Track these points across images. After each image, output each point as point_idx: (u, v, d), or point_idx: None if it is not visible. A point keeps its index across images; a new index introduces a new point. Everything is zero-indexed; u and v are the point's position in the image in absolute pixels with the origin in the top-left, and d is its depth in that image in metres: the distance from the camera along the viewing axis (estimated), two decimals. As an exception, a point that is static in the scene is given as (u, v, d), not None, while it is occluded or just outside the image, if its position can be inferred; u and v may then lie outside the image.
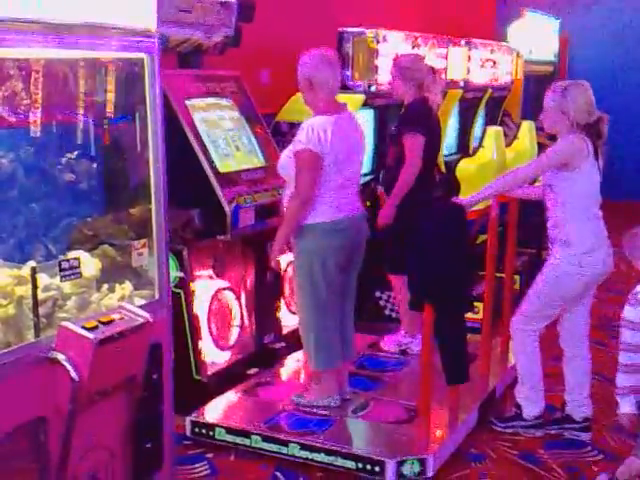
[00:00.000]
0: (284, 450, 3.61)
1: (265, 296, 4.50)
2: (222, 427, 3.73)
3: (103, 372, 2.52)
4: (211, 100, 4.36)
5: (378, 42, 5.18)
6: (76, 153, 3.13)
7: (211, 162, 4.08)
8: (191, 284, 4.03)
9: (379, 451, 3.51)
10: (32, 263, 2.69)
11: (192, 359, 4.03)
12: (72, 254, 2.84)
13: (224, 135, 4.33)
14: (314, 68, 3.66)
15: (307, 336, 3.85)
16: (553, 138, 3.87)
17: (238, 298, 4.39)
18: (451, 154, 6.51)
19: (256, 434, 3.67)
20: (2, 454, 2.39)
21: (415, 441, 3.63)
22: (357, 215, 3.81)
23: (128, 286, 2.97)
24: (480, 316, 4.59)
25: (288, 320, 4.69)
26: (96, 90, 3.10)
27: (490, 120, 7.36)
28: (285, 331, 4.67)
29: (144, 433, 2.91)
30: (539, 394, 3.97)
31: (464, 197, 3.93)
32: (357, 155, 3.82)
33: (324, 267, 3.70)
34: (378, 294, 5.35)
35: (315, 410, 3.86)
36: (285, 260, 4.35)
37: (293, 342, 4.45)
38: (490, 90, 7.14)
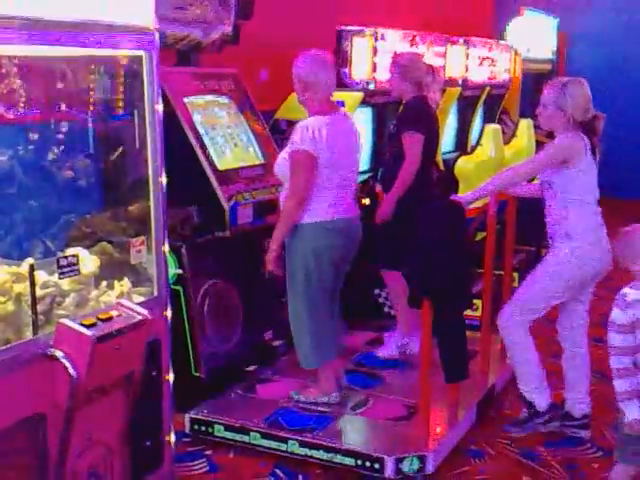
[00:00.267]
0: (283, 447, 3.61)
1: (264, 293, 4.50)
2: (221, 424, 3.73)
3: (101, 369, 2.53)
4: (210, 97, 4.36)
5: (377, 40, 5.18)
6: (74, 150, 3.13)
7: (210, 159, 4.08)
8: (190, 281, 4.03)
9: (378, 448, 3.51)
10: (30, 260, 2.69)
11: (191, 356, 4.03)
12: (70, 251, 2.85)
13: (222, 132, 4.33)
14: (308, 70, 3.67)
15: (300, 335, 3.84)
16: (551, 136, 3.86)
17: (237, 295, 4.39)
18: (449, 152, 6.50)
19: (255, 431, 3.67)
20: (1, 450, 2.40)
21: (414, 438, 3.63)
22: (352, 216, 3.82)
23: (126, 283, 2.97)
24: (479, 313, 4.60)
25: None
26: (95, 87, 3.10)
27: (488, 118, 7.35)
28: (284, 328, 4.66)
29: (143, 430, 2.92)
30: (542, 382, 3.88)
31: (462, 195, 3.93)
32: (352, 155, 3.82)
33: (319, 266, 3.70)
34: (377, 291, 5.36)
35: (314, 407, 3.86)
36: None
37: (292, 339, 4.44)
38: (488, 88, 7.14)
